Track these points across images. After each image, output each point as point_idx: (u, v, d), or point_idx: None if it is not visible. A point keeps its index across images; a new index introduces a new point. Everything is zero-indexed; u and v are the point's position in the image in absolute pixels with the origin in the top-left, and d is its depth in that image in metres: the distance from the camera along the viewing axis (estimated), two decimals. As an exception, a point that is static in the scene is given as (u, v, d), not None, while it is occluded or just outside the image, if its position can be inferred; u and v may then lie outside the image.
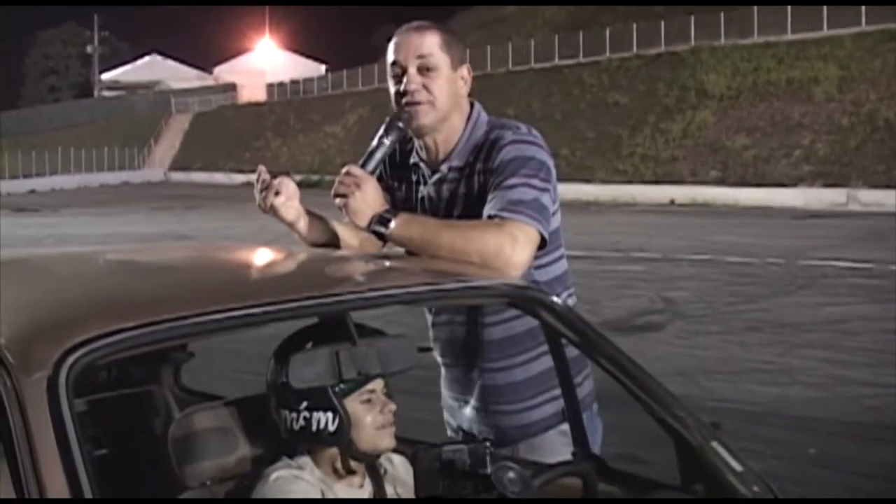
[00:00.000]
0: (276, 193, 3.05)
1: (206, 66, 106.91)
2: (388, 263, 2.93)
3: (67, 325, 1.96)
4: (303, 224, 3.12)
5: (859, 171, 38.94)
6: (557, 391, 3.00)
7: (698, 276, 17.97)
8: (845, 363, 10.62)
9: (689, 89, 49.67)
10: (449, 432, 3.43)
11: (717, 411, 8.06)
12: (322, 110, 75.22)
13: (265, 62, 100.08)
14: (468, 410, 3.29)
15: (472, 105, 3.22)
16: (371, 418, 2.52)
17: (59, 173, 72.80)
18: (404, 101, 3.09)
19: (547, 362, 3.00)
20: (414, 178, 3.25)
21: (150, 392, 3.62)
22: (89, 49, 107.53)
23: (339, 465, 2.57)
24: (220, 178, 73.33)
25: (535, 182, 3.00)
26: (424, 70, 3.09)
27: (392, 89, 3.15)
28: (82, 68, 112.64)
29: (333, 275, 2.78)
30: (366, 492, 2.62)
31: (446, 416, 3.45)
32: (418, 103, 3.08)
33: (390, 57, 3.14)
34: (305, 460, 2.57)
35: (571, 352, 2.85)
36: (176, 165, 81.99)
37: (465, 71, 3.18)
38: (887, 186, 36.72)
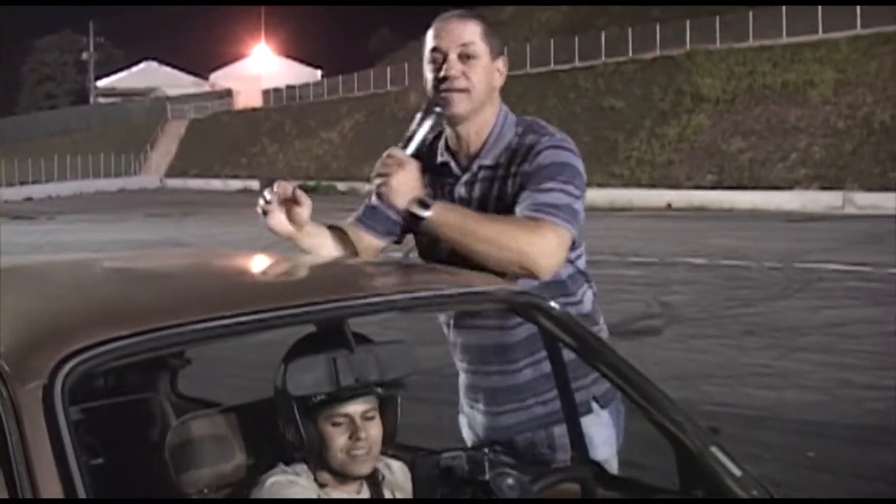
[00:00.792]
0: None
1: (201, 73, 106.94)
2: (386, 269, 2.92)
3: (63, 334, 1.95)
4: (306, 235, 3.15)
5: (855, 174, 38.99)
6: (580, 381, 3.03)
7: (695, 280, 17.97)
8: (844, 366, 10.61)
9: (684, 93, 49.73)
10: (467, 441, 3.38)
11: (715, 415, 8.05)
12: (318, 116, 75.25)
13: (261, 68, 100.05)
14: (483, 414, 3.26)
15: (500, 104, 3.23)
16: (340, 442, 2.51)
17: (56, 180, 72.81)
18: (443, 87, 3.08)
19: (569, 355, 3.01)
20: (443, 177, 3.22)
21: (147, 399, 3.61)
22: (85, 56, 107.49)
23: (323, 476, 2.57)
24: (216, 184, 73.34)
25: (571, 189, 3.00)
26: (465, 57, 3.08)
27: (430, 76, 3.13)
28: (78, 75, 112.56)
29: (331, 281, 2.76)
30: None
31: (464, 426, 3.41)
32: (457, 90, 3.08)
33: (430, 43, 3.13)
34: (302, 467, 2.56)
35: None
36: (172, 172, 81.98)
37: (501, 63, 3.19)
38: (883, 189, 36.77)
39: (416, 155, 3.01)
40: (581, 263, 3.20)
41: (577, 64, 58.15)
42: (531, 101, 54.40)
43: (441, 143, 3.23)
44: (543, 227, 2.89)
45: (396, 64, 74.58)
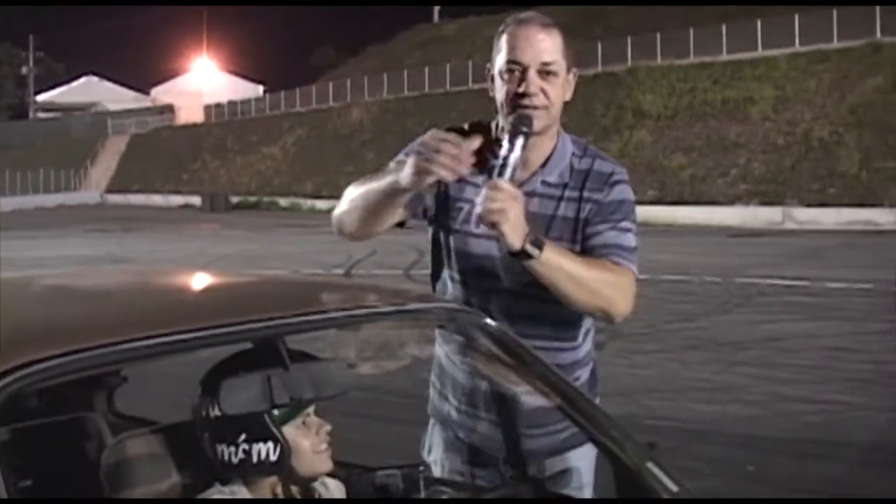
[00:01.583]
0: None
1: (143, 88, 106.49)
2: (323, 286, 2.92)
3: (-8, 354, 1.93)
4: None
5: (794, 189, 39.41)
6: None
7: (637, 294, 18.01)
8: (782, 380, 10.70)
9: (626, 109, 50.08)
10: (440, 446, 3.28)
11: (656, 430, 8.08)
12: (260, 131, 75.03)
13: (203, 83, 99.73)
14: (485, 425, 3.14)
15: None
16: (309, 442, 2.49)
17: (-6, 196, 72.06)
18: (521, 102, 2.94)
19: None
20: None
21: (83, 418, 3.55)
22: (24, 70, 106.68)
23: (277, 491, 2.54)
24: (157, 199, 72.95)
25: (635, 229, 3.10)
26: (545, 74, 2.96)
27: (504, 87, 2.99)
28: (17, 90, 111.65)
29: (268, 298, 2.75)
30: (301, 516, 2.59)
31: (440, 425, 3.29)
32: (535, 107, 2.95)
33: (508, 53, 2.98)
34: (239, 488, 2.53)
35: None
36: (113, 187, 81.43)
37: (572, 76, 3.08)
38: (822, 205, 37.24)
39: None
40: None
41: (520, 80, 58.34)
42: (474, 116, 54.15)
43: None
44: (628, 276, 2.99)
45: (339, 80, 74.64)
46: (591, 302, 2.90)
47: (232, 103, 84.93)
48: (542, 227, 2.96)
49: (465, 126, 3.10)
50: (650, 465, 2.48)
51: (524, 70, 2.95)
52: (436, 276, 3.18)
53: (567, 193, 3.05)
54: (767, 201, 39.44)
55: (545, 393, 2.67)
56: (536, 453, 3.08)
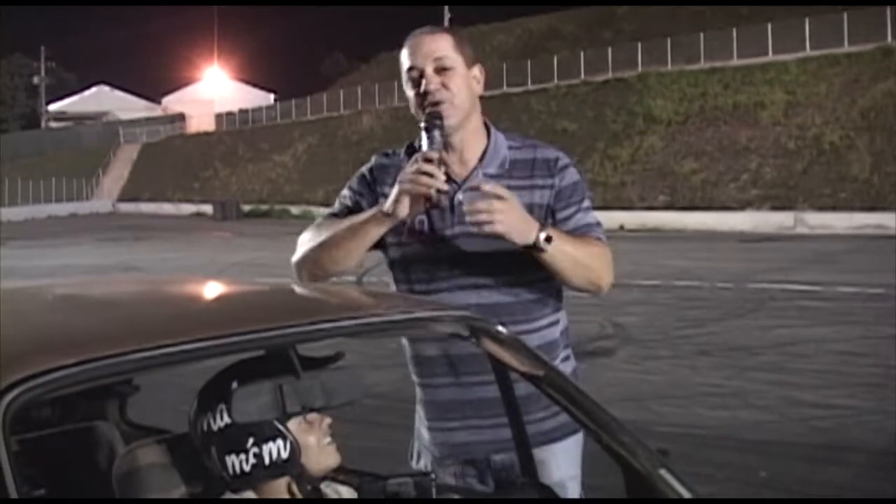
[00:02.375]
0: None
1: (154, 97, 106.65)
2: (333, 295, 2.92)
3: (6, 363, 1.94)
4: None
5: (806, 194, 39.34)
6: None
7: (648, 300, 18.03)
8: (795, 385, 10.68)
9: (636, 115, 50.05)
10: (426, 460, 3.32)
11: (668, 436, 8.07)
12: (271, 140, 75.12)
13: (214, 92, 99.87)
14: (464, 430, 3.21)
15: None
16: (313, 439, 2.50)
17: (7, 205, 72.11)
18: (426, 102, 3.11)
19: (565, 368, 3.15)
20: None
21: (95, 427, 3.56)
22: (36, 80, 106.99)
23: (288, 494, 2.55)
24: (168, 208, 73.05)
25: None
26: (441, 70, 3.13)
27: (410, 93, 3.17)
28: (29, 99, 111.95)
29: (279, 307, 2.75)
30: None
31: (429, 442, 3.33)
32: (440, 102, 3.11)
33: (406, 63, 3.18)
34: (249, 494, 2.54)
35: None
36: (124, 196, 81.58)
37: (476, 71, 3.26)
38: (833, 209, 37.16)
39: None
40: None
41: (530, 87, 58.46)
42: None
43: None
44: (607, 248, 3.24)
45: (349, 87, 74.73)
46: (585, 277, 3.16)
47: (243, 112, 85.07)
48: None
49: (401, 152, 3.30)
50: (662, 471, 2.48)
51: (421, 72, 3.14)
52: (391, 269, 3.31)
53: (513, 182, 3.13)
54: (779, 206, 39.36)
55: (556, 399, 2.67)
56: (536, 439, 3.09)
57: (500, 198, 2.93)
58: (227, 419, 2.43)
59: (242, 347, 2.30)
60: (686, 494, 2.46)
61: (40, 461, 3.24)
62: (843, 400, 9.96)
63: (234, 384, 2.40)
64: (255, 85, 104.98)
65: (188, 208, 71.15)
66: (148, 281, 5.00)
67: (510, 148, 3.24)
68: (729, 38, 50.26)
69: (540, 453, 3.07)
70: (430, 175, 2.94)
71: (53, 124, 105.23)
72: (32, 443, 3.25)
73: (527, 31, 69.06)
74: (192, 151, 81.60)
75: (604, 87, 54.13)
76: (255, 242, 38.43)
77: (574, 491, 3.21)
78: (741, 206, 40.68)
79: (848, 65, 44.57)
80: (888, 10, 44.17)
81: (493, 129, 3.28)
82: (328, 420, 2.55)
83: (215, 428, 2.46)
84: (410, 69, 3.15)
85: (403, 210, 2.98)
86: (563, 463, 3.18)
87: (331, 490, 2.64)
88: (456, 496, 2.49)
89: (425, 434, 3.33)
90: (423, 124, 3.09)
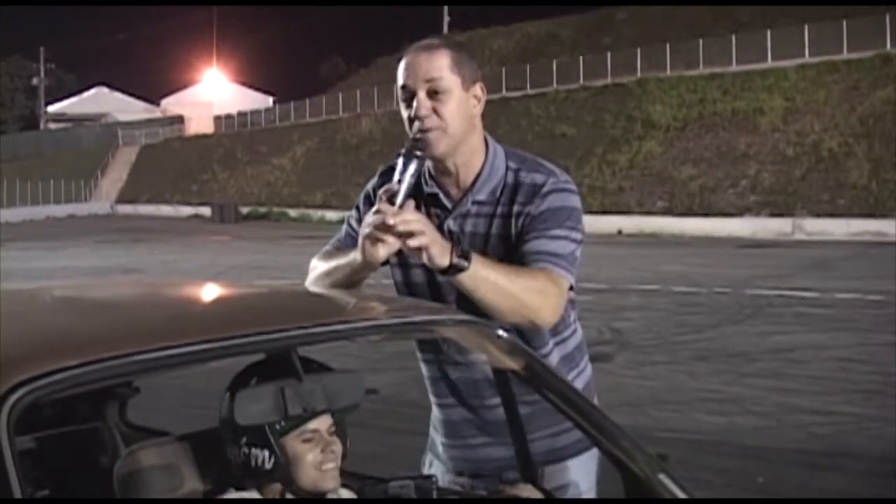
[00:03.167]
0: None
1: (153, 99, 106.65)
2: (333, 299, 2.92)
3: (9, 364, 1.94)
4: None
5: (804, 200, 39.38)
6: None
7: (646, 306, 18.06)
8: (792, 392, 10.69)
9: (635, 120, 50.09)
10: (439, 471, 3.25)
11: (666, 441, 8.08)
12: (269, 142, 75.14)
13: (213, 94, 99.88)
14: (481, 447, 3.17)
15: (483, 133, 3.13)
16: (312, 458, 2.50)
17: (5, 206, 72.08)
18: (415, 127, 2.96)
19: (588, 374, 3.08)
20: (428, 207, 3.07)
21: (96, 429, 3.57)
22: (35, 81, 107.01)
23: (286, 497, 2.56)
24: (167, 210, 73.05)
25: (575, 235, 2.98)
26: (434, 93, 2.95)
27: (404, 114, 3.01)
28: (28, 101, 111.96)
29: (280, 310, 2.76)
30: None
31: (442, 458, 3.29)
32: (429, 130, 2.94)
33: (399, 80, 3.00)
34: (253, 493, 2.56)
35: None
36: (123, 198, 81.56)
37: (478, 89, 3.06)
38: (831, 215, 37.21)
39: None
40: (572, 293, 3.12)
41: (529, 91, 58.49)
42: (483, 128, 54.49)
43: (426, 171, 3.07)
44: (555, 281, 2.87)
45: (348, 90, 74.78)
46: (517, 311, 2.82)
47: (242, 114, 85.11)
48: (478, 247, 2.96)
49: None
50: (662, 476, 2.48)
51: (413, 93, 2.97)
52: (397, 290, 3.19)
53: (499, 210, 3.03)
54: (777, 212, 39.41)
55: (555, 402, 2.68)
56: (535, 458, 3.09)
57: (420, 221, 2.77)
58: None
59: (244, 350, 2.30)
60: (685, 499, 2.47)
61: (44, 462, 3.25)
62: (842, 406, 9.98)
63: (254, 380, 2.43)
64: (254, 87, 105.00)
65: (186, 210, 71.16)
66: (148, 283, 5.02)
67: (508, 170, 3.07)
68: (728, 44, 50.34)
69: (553, 470, 3.07)
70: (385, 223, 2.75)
71: (52, 126, 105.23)
72: (35, 444, 3.26)
73: (526, 35, 69.11)
74: (191, 154, 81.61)
75: (603, 92, 54.17)
76: (253, 245, 38.45)
77: None
78: (739, 212, 40.70)
79: (847, 72, 44.64)
80: (887, 17, 44.25)
81: (491, 150, 3.10)
82: (336, 447, 2.54)
83: (224, 416, 2.49)
84: (403, 87, 2.99)
85: (375, 255, 2.79)
86: (576, 479, 3.12)
87: (332, 493, 2.65)
88: (456, 500, 2.49)
89: (440, 449, 3.29)
90: (402, 150, 2.90)
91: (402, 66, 3.01)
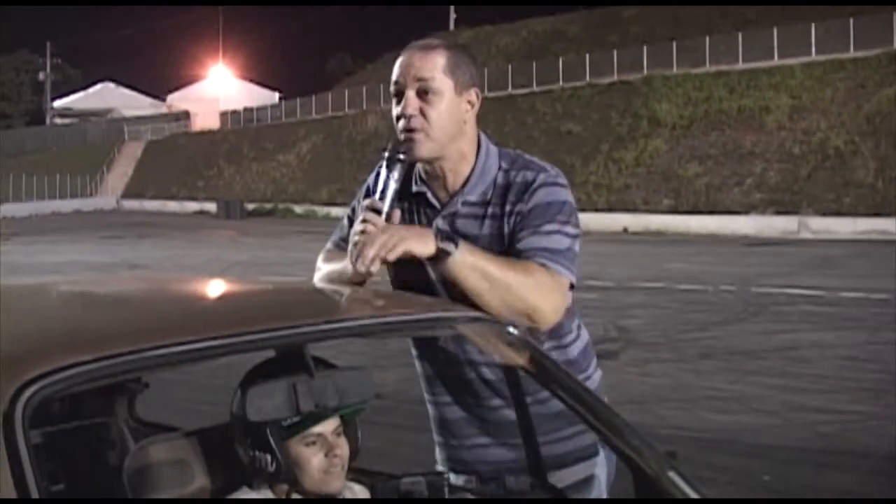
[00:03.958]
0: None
1: (159, 94, 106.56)
2: (344, 295, 2.92)
3: (24, 359, 1.95)
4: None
5: (810, 199, 39.34)
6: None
7: (651, 304, 18.05)
8: (798, 390, 10.69)
9: (641, 118, 50.05)
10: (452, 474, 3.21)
11: (671, 439, 8.08)
12: (275, 138, 75.09)
13: (219, 90, 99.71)
14: (485, 447, 3.13)
15: (478, 134, 3.07)
16: (316, 461, 2.51)
17: (11, 201, 72.12)
18: (401, 125, 2.94)
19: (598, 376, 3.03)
20: (417, 207, 3.08)
21: (105, 424, 3.59)
22: (41, 76, 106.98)
23: (297, 496, 2.57)
24: (172, 206, 73.03)
25: (569, 229, 2.93)
26: (423, 94, 2.91)
27: (393, 111, 2.98)
28: (34, 95, 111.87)
29: (290, 306, 2.76)
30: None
31: (445, 456, 3.25)
32: (413, 130, 2.91)
33: (393, 75, 2.97)
34: (266, 492, 2.57)
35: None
36: (128, 193, 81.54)
37: (472, 95, 2.99)
38: (837, 214, 37.19)
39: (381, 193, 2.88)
40: (569, 299, 3.05)
41: (535, 88, 58.46)
42: (489, 124, 54.55)
43: (415, 172, 3.07)
44: (553, 278, 2.83)
45: (354, 87, 74.76)
46: (513, 306, 2.76)
47: (248, 110, 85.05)
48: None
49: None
50: (671, 473, 2.49)
51: (404, 91, 2.94)
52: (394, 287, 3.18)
53: (490, 211, 2.99)
54: (783, 210, 39.38)
55: (565, 400, 2.68)
56: (549, 462, 3.07)
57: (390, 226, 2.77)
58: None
59: (255, 346, 2.31)
60: (695, 497, 2.47)
61: (57, 457, 3.27)
62: (847, 405, 9.98)
63: (266, 377, 2.44)
64: (260, 84, 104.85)
65: (192, 206, 71.13)
66: (158, 279, 5.03)
67: (500, 170, 3.02)
68: (735, 42, 50.29)
69: (555, 476, 3.05)
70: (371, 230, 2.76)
71: (58, 121, 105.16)
72: (45, 439, 3.27)
73: (532, 32, 69.04)
74: (197, 149, 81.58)
75: (609, 89, 54.12)
76: (259, 241, 38.47)
77: None
78: (745, 210, 40.68)
79: (853, 70, 44.59)
80: (894, 16, 44.20)
81: (484, 150, 3.04)
82: (342, 450, 2.55)
83: (235, 414, 2.50)
84: (395, 83, 2.96)
85: (364, 265, 2.74)
86: (580, 483, 3.07)
87: (345, 489, 2.66)
88: (469, 496, 2.50)
89: (436, 449, 3.29)
90: (386, 153, 2.91)
91: (397, 62, 2.99)
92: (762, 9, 52.98)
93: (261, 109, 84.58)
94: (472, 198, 3.00)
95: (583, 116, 53.28)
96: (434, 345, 3.11)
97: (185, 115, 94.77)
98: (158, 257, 30.82)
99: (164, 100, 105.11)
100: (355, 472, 2.63)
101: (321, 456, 2.51)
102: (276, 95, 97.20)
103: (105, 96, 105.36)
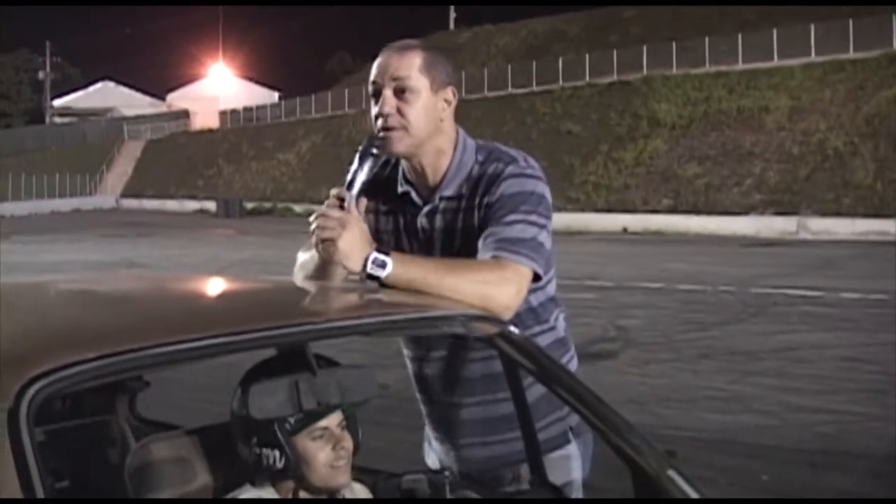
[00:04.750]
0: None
1: (158, 93, 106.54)
2: (346, 293, 2.93)
3: (28, 357, 1.96)
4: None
5: (809, 199, 39.37)
6: (559, 412, 3.05)
7: (651, 304, 18.06)
8: (796, 391, 10.70)
9: (641, 118, 50.07)
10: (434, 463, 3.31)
11: (670, 439, 8.09)
12: (275, 137, 75.11)
13: (218, 89, 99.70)
14: (461, 447, 3.18)
15: (456, 130, 3.13)
16: (323, 456, 2.51)
17: (10, 200, 72.11)
18: (379, 124, 3.00)
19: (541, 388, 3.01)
20: (402, 206, 3.15)
21: (107, 422, 3.60)
22: (41, 75, 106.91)
23: (297, 496, 2.57)
24: (172, 205, 73.05)
25: (534, 218, 2.95)
26: (400, 92, 2.98)
27: (372, 110, 3.05)
28: (34, 94, 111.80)
29: (291, 305, 2.77)
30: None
31: (431, 455, 3.33)
32: (392, 128, 2.98)
33: (371, 75, 3.05)
34: (269, 490, 2.57)
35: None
36: (128, 192, 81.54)
37: (449, 93, 3.06)
38: (836, 215, 37.22)
39: (367, 191, 2.92)
40: (551, 289, 3.17)
41: (535, 88, 58.47)
42: (489, 124, 54.56)
43: (400, 173, 3.14)
44: (505, 267, 2.85)
45: (354, 86, 74.66)
46: (466, 301, 2.77)
47: (247, 109, 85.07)
48: (448, 242, 3.04)
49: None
50: (671, 472, 2.49)
51: (381, 90, 3.01)
52: None
53: (464, 204, 3.05)
54: (782, 211, 39.41)
55: (564, 397, 2.69)
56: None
57: (343, 224, 2.78)
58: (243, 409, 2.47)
59: (257, 344, 2.31)
60: (695, 496, 2.48)
61: (60, 454, 3.27)
62: (846, 406, 9.99)
63: (268, 375, 2.45)
64: (259, 83, 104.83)
65: (191, 205, 71.16)
66: (159, 278, 5.03)
67: (476, 162, 3.08)
68: (734, 42, 50.31)
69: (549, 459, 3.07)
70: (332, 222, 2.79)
71: (58, 120, 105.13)
72: (52, 435, 3.28)
73: (532, 32, 69.04)
74: (197, 148, 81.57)
75: (609, 89, 54.13)
76: (258, 240, 38.46)
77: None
78: (744, 210, 40.71)
79: (853, 71, 44.61)
80: (893, 17, 44.24)
81: (461, 145, 3.10)
82: (347, 443, 2.56)
83: (236, 412, 2.50)
84: (373, 83, 3.04)
85: (325, 254, 2.82)
86: (556, 471, 3.09)
87: (345, 488, 2.67)
88: (471, 493, 2.51)
89: (425, 445, 3.35)
90: (360, 147, 2.96)
91: (375, 63, 3.06)
92: (762, 9, 53.00)
93: (260, 108, 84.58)
94: (449, 192, 3.07)
95: (582, 116, 53.28)
96: (431, 343, 3.15)
97: (185, 115, 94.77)
98: (158, 256, 30.80)
99: (163, 99, 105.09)
100: (357, 471, 2.64)
101: (328, 450, 2.52)
102: (276, 94, 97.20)
103: (105, 95, 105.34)
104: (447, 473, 2.60)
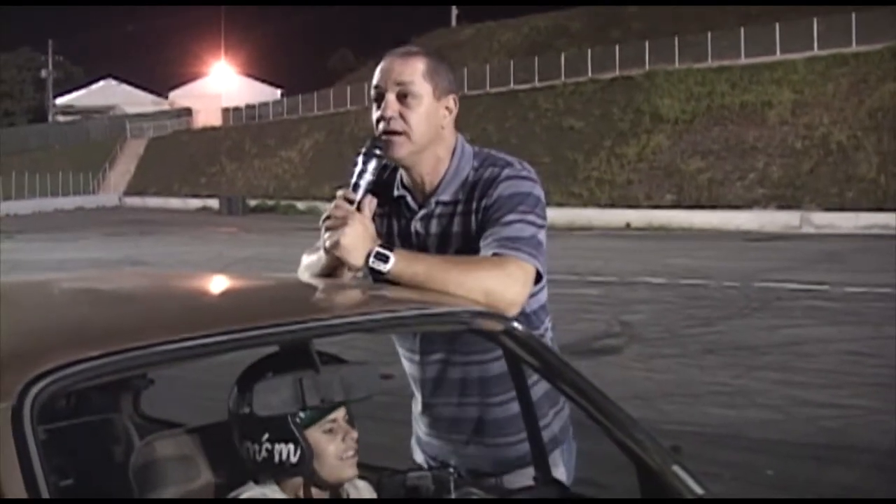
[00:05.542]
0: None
1: (161, 91, 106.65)
2: (350, 290, 2.93)
3: (31, 355, 1.95)
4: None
5: (812, 193, 39.35)
6: (557, 410, 3.09)
7: (654, 299, 18.05)
8: (801, 385, 10.69)
9: (643, 113, 50.04)
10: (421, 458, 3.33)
11: (674, 434, 8.07)
12: (278, 135, 75.15)
13: (221, 87, 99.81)
14: (461, 446, 3.18)
15: (456, 137, 3.13)
16: (334, 448, 2.51)
17: (14, 198, 72.17)
18: (381, 127, 3.00)
19: (545, 386, 3.00)
20: (398, 211, 3.15)
21: (111, 420, 3.59)
22: (44, 74, 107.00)
23: (304, 493, 2.57)
24: (175, 202, 73.12)
25: (532, 218, 2.95)
26: (403, 97, 2.99)
27: (373, 114, 3.05)
28: (36, 93, 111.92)
29: (294, 302, 2.76)
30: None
31: (421, 454, 3.34)
32: (394, 133, 2.98)
33: (374, 80, 3.05)
34: (273, 487, 2.57)
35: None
36: (131, 190, 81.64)
37: (450, 101, 3.07)
38: (840, 209, 37.20)
39: (371, 192, 2.93)
40: (543, 296, 3.15)
41: (537, 84, 58.46)
42: (491, 120, 54.59)
43: (397, 178, 3.15)
44: (508, 263, 2.85)
45: (356, 83, 74.69)
46: (471, 297, 2.78)
47: (250, 107, 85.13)
48: (443, 246, 3.04)
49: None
50: (675, 468, 2.49)
51: (383, 94, 3.02)
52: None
53: (459, 209, 3.06)
54: (785, 205, 39.40)
55: (569, 394, 2.69)
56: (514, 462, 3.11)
57: (346, 220, 2.82)
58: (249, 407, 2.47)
59: (262, 342, 2.31)
60: (699, 491, 2.48)
61: (64, 452, 3.27)
62: (851, 400, 9.98)
63: (269, 374, 2.44)
64: (262, 80, 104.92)
65: (194, 203, 71.20)
66: (162, 275, 5.03)
67: (472, 169, 3.08)
68: (737, 37, 50.27)
69: (515, 477, 3.08)
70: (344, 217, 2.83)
71: (61, 118, 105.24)
72: (56, 433, 3.28)
73: (535, 28, 69.01)
74: (199, 146, 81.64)
75: (611, 85, 54.11)
76: (261, 238, 38.46)
77: None
78: (748, 205, 40.70)
79: (856, 65, 44.58)
80: (897, 10, 44.20)
81: (458, 152, 3.11)
82: (354, 434, 2.56)
83: (241, 412, 2.49)
84: (376, 87, 3.04)
85: (334, 250, 2.84)
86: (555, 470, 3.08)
87: (349, 484, 2.66)
88: (475, 490, 2.50)
89: (413, 443, 3.36)
90: (363, 148, 2.97)
91: (378, 68, 3.06)
92: (764, 4, 52.94)
93: (263, 106, 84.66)
94: (445, 197, 3.07)
95: (585, 112, 53.25)
96: (424, 342, 3.16)
97: (188, 112, 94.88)
98: (161, 254, 30.81)
99: (166, 97, 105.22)
100: (360, 468, 2.64)
101: (338, 441, 2.52)
102: (279, 92, 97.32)
103: (107, 93, 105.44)
104: (452, 470, 2.59)
